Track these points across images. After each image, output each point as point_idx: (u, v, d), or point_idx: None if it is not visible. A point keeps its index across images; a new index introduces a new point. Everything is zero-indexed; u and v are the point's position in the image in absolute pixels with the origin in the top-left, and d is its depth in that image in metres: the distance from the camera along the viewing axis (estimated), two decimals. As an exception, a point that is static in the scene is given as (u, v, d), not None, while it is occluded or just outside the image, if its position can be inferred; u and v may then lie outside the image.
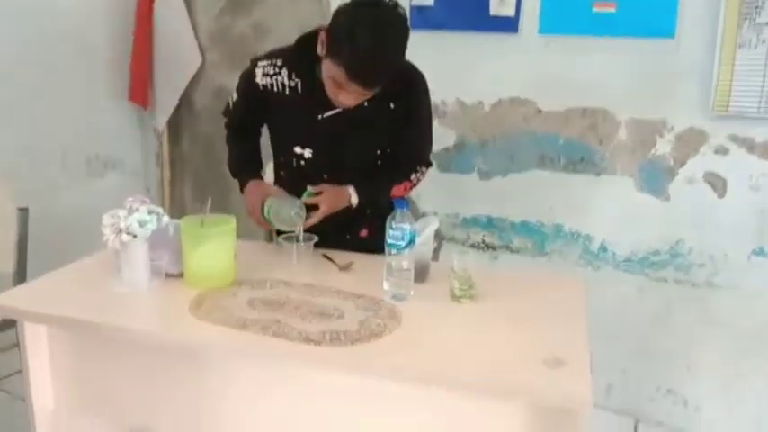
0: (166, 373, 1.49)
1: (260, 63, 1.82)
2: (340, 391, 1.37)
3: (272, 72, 1.80)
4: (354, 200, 1.82)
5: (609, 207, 2.46)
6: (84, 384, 1.59)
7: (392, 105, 1.79)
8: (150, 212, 1.62)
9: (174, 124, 3.22)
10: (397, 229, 1.59)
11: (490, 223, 2.63)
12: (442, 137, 2.62)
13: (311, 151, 1.85)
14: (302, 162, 1.87)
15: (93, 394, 1.58)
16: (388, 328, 1.43)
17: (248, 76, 1.84)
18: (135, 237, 1.58)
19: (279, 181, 1.96)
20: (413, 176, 1.90)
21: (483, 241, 2.65)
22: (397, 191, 1.88)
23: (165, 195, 3.27)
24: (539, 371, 1.26)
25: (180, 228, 1.63)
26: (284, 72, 1.79)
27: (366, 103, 1.71)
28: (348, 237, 1.95)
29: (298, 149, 1.86)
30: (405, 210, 1.61)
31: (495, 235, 2.63)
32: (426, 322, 1.49)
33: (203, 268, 1.63)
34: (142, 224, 1.59)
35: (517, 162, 2.56)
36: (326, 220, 1.77)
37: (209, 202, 1.71)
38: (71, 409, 1.61)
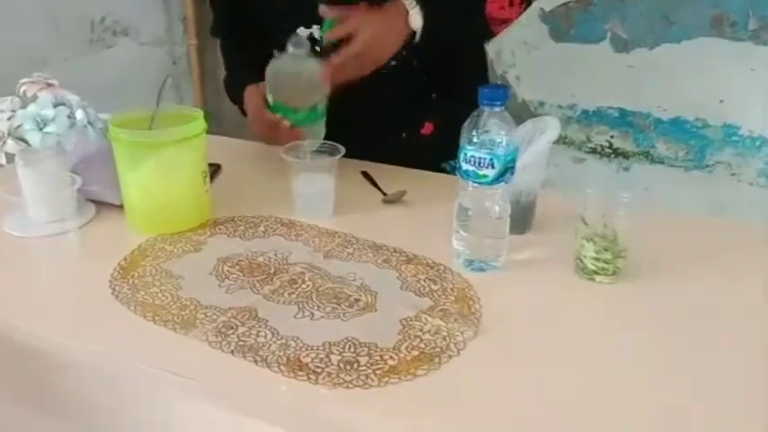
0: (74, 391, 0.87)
1: None
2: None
3: None
4: (417, 20, 1.04)
5: (821, 99, 1.62)
6: None
7: None
8: (57, 104, 0.95)
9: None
10: (480, 143, 0.85)
11: (623, 119, 1.89)
12: (559, -13, 1.82)
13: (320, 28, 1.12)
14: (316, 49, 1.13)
15: None
16: (454, 342, 0.75)
17: None
18: (27, 144, 0.92)
19: None
20: None
21: (609, 145, 1.89)
22: (500, 10, 1.09)
23: (195, 70, 2.61)
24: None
25: (108, 131, 0.95)
26: None
27: None
28: (404, 135, 1.27)
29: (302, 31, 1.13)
30: (497, 106, 0.85)
31: (628, 137, 1.87)
32: (530, 325, 0.79)
33: (149, 200, 0.97)
34: (41, 124, 0.93)
35: (676, 26, 1.77)
36: (368, 108, 1.08)
37: (167, 81, 1.03)
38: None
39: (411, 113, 1.26)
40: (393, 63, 1.10)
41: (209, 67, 2.69)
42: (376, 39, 1.03)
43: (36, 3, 2.17)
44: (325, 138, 1.10)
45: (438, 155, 1.23)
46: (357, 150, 1.10)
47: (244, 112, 1.23)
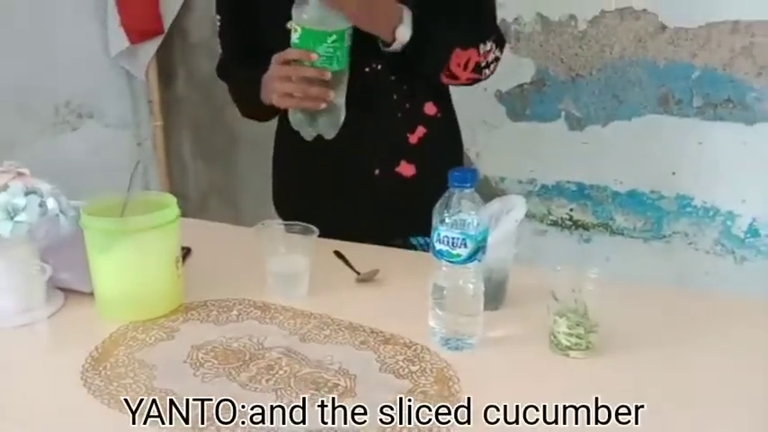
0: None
1: None
2: None
3: None
4: (404, 33, 1.09)
5: (765, 171, 1.73)
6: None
7: None
8: (28, 193, 0.94)
9: (165, 61, 2.55)
10: (452, 223, 0.88)
11: (581, 192, 1.95)
12: (516, 69, 1.93)
13: None
14: None
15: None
16: (437, 427, 0.74)
17: None
18: (-3, 236, 0.91)
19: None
20: (482, 48, 1.17)
21: (570, 218, 1.94)
22: (457, 66, 1.16)
23: (159, 150, 2.62)
24: None
25: (80, 219, 0.95)
26: None
27: None
28: (378, 172, 1.25)
29: None
30: (467, 188, 0.88)
31: (587, 209, 1.93)
32: (511, 405, 0.78)
33: (121, 288, 0.96)
34: (12, 213, 0.92)
35: (626, 104, 1.85)
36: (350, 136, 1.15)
37: (138, 166, 1.03)
38: None
39: (383, 147, 1.24)
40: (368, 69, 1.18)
41: (175, 147, 2.71)
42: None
43: (0, 86, 2.17)
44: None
45: (422, 208, 1.17)
46: (329, 193, 1.21)
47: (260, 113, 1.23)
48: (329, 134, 1.14)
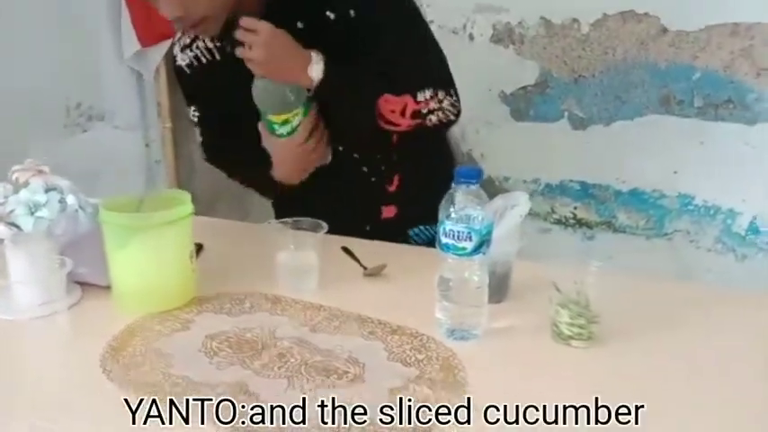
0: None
1: (176, 41, 1.35)
2: None
3: (188, 41, 1.31)
4: (317, 71, 1.12)
5: (765, 170, 1.76)
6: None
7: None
8: (48, 190, 0.98)
9: (173, 63, 2.57)
10: (458, 218, 0.91)
11: (585, 192, 1.98)
12: (519, 71, 1.97)
13: None
14: None
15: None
16: (442, 412, 0.77)
17: (175, 71, 1.38)
18: (19, 229, 0.95)
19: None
20: (419, 95, 1.19)
21: (573, 216, 1.96)
22: (392, 113, 1.18)
23: (168, 152, 2.65)
24: None
25: (98, 214, 0.98)
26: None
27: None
28: (368, 228, 1.33)
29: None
30: (473, 184, 0.92)
31: (591, 208, 1.96)
32: (513, 392, 0.81)
33: (137, 281, 0.99)
34: (33, 209, 0.96)
35: (628, 105, 1.89)
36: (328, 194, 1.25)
37: (154, 165, 1.07)
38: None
39: (369, 196, 1.33)
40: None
41: (183, 149, 2.75)
42: (271, 58, 1.11)
43: (12, 88, 2.21)
44: None
45: (406, 240, 1.33)
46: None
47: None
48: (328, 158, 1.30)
